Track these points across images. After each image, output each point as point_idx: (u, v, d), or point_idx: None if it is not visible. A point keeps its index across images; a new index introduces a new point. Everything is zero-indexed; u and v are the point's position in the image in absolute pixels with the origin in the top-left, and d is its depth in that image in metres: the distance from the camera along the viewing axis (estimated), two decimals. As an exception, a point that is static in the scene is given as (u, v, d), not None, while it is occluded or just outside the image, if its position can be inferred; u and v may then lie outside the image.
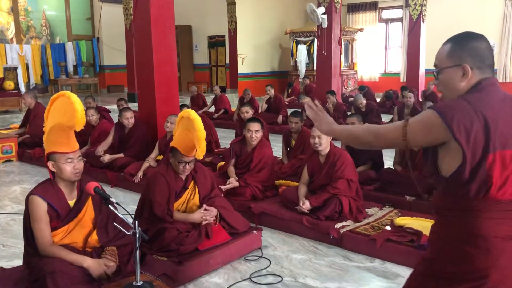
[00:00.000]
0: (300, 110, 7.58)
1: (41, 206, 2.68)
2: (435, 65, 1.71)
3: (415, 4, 12.25)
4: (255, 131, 4.66)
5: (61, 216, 2.74)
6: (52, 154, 2.73)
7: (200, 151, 3.16)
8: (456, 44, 1.65)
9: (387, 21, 16.85)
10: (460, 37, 1.67)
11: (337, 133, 1.89)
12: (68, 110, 2.66)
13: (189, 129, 3.29)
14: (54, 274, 2.52)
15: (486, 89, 1.58)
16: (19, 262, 3.18)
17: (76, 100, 2.64)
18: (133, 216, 3.44)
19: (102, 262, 2.70)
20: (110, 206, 2.63)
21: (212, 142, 6.75)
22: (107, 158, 5.83)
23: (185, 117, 3.35)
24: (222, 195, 4.09)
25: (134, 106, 8.77)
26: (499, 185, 1.51)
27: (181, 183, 3.51)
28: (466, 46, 1.62)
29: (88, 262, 2.67)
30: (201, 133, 3.15)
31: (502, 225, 1.54)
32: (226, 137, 8.24)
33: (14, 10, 14.02)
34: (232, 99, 13.26)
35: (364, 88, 12.72)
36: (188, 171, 3.48)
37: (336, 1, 10.01)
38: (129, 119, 5.92)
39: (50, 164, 2.75)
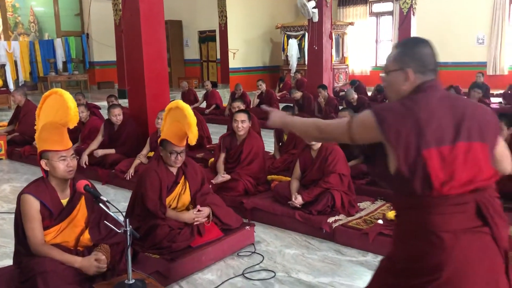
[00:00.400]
0: (291, 104, 7.60)
1: (33, 205, 2.65)
2: (383, 68, 1.83)
3: (406, -3, 12.26)
4: (241, 121, 4.65)
5: (53, 215, 2.71)
6: (45, 152, 2.70)
7: (193, 136, 3.16)
8: (402, 50, 1.76)
9: (378, 15, 16.86)
10: (407, 42, 1.79)
11: (290, 125, 2.01)
12: (61, 108, 2.63)
13: (178, 120, 3.29)
14: (45, 274, 2.49)
15: (424, 92, 1.67)
16: (9, 261, 3.14)
17: (68, 98, 2.61)
18: (124, 214, 3.43)
19: (93, 259, 2.67)
20: (100, 204, 2.61)
21: (203, 137, 6.72)
22: (100, 152, 5.80)
23: (173, 108, 3.34)
24: (212, 191, 4.10)
25: (124, 102, 8.72)
26: (442, 181, 1.56)
27: (172, 178, 3.50)
28: (411, 52, 1.73)
29: (79, 262, 2.65)
30: (192, 118, 3.15)
31: (452, 220, 1.57)
32: (217, 133, 8.19)
33: (1, 6, 13.83)
34: (224, 94, 13.22)
35: (356, 82, 12.72)
36: (179, 162, 3.46)
37: (326, -5, 9.99)
38: (117, 116, 5.88)
39: (43, 162, 2.72)
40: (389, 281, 1.68)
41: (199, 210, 3.46)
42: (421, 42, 1.74)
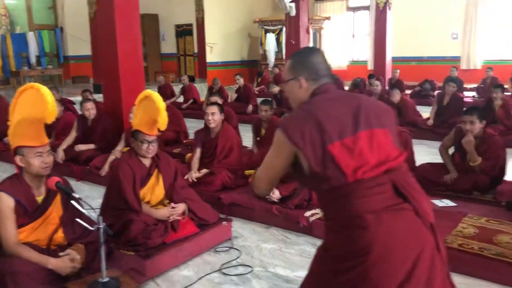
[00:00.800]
0: (270, 99, 7.58)
1: (7, 202, 2.58)
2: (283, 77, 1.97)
3: (382, -8, 12.36)
4: (211, 114, 4.63)
5: (28, 212, 2.65)
6: (20, 148, 2.63)
7: (162, 121, 3.24)
8: (294, 60, 1.91)
9: (354, 10, 16.96)
10: (299, 53, 1.94)
11: None
12: (37, 103, 2.55)
13: (148, 108, 3.33)
14: (14, 274, 2.44)
15: (319, 95, 1.82)
16: (-21, 261, 3.06)
17: (46, 92, 2.55)
18: (97, 211, 3.37)
19: (67, 259, 2.62)
20: (73, 201, 2.55)
21: (180, 132, 6.68)
22: (81, 147, 5.73)
23: (143, 98, 3.40)
24: (187, 186, 4.08)
25: (100, 97, 8.55)
26: (353, 168, 1.67)
27: (145, 170, 3.48)
28: (302, 61, 1.88)
29: (53, 263, 2.59)
30: (160, 103, 3.23)
31: (373, 201, 1.67)
32: (195, 128, 8.08)
33: (-29, -1, 13.44)
34: (201, 88, 13.13)
35: (359, 83, 12.79)
36: (152, 152, 3.44)
37: (303, -10, 10.01)
38: (90, 110, 5.79)
39: (17, 158, 2.64)
40: (326, 268, 1.76)
41: (173, 207, 3.43)
42: (312, 52, 1.91)
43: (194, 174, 4.53)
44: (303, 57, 1.88)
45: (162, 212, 3.39)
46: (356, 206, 1.67)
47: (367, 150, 1.70)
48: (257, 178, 1.89)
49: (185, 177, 4.43)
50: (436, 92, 10.30)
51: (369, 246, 1.63)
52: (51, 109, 2.51)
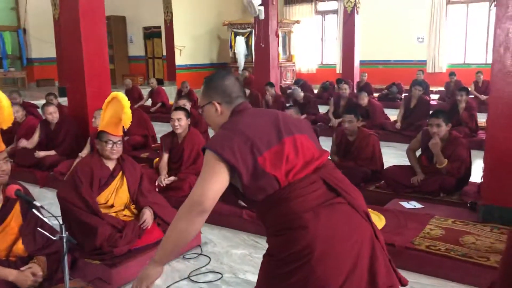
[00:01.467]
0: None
1: None
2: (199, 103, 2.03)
3: (349, -4, 12.52)
4: (177, 119, 4.57)
5: None
6: None
7: (126, 118, 3.25)
8: (206, 85, 1.96)
9: (323, 13, 17.15)
10: (210, 78, 1.99)
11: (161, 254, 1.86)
12: None
13: (113, 110, 3.34)
14: (-30, 288, 2.31)
15: (239, 113, 1.88)
16: None
17: (2, 97, 2.43)
18: (58, 219, 3.25)
19: (29, 273, 2.50)
20: (34, 210, 2.44)
21: (148, 137, 6.56)
22: (41, 154, 5.56)
23: (109, 100, 3.40)
24: (156, 190, 4.00)
25: (65, 100, 8.34)
26: (284, 173, 1.74)
27: (108, 171, 3.41)
28: (213, 86, 1.93)
29: (14, 275, 2.47)
30: (125, 102, 3.27)
31: (308, 199, 1.73)
32: (163, 132, 7.96)
33: None
34: (171, 91, 12.98)
35: (300, 82, 12.87)
36: (116, 153, 3.39)
37: (272, -7, 10.02)
38: (52, 114, 5.66)
39: None
40: (272, 274, 1.78)
41: (143, 222, 3.35)
42: (222, 76, 1.97)
43: (164, 180, 4.44)
44: (215, 82, 1.94)
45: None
46: (293, 207, 1.72)
47: (293, 154, 1.78)
48: (198, 197, 1.71)
49: (156, 183, 4.34)
50: (403, 95, 10.49)
51: (311, 245, 1.67)
52: (6, 114, 2.41)
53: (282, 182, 1.73)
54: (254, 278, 3.12)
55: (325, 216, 1.71)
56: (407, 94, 9.18)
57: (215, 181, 1.71)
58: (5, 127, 2.47)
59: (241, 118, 1.85)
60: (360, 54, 13.09)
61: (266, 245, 3.58)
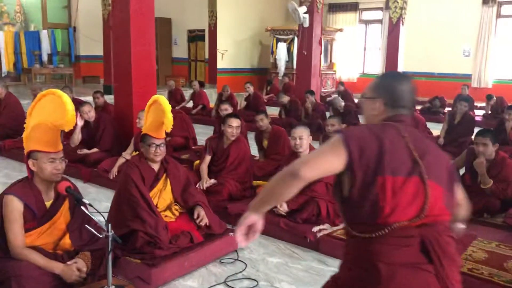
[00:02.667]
0: (279, 108, 7.57)
1: (17, 206, 2.57)
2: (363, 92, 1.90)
3: (396, 7, 12.35)
4: (236, 127, 4.62)
5: (37, 217, 2.63)
6: (34, 152, 2.62)
7: (168, 122, 3.28)
8: (381, 81, 1.84)
9: (367, 22, 16.97)
10: (388, 75, 1.90)
11: (259, 200, 1.79)
12: (57, 109, 2.55)
13: (155, 113, 3.40)
14: (20, 278, 2.42)
15: (391, 123, 1.71)
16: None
17: (67, 100, 2.55)
18: (104, 216, 3.35)
19: (75, 267, 2.60)
20: (82, 207, 2.54)
21: (189, 138, 6.67)
22: (84, 151, 5.73)
23: (151, 103, 3.47)
24: (201, 192, 4.06)
25: (110, 98, 8.58)
26: (389, 210, 1.55)
27: (153, 173, 3.49)
28: (387, 85, 1.80)
29: (60, 268, 2.57)
30: (166, 105, 3.29)
31: (394, 252, 1.56)
32: (204, 134, 8.14)
33: (-14, -5, 13.56)
34: (211, 94, 13.13)
35: (341, 87, 12.77)
36: (160, 155, 3.45)
37: (318, 1, 10.01)
38: (88, 113, 5.79)
39: (30, 162, 2.63)
40: None
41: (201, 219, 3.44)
42: (401, 78, 1.81)
43: (206, 184, 4.49)
44: (390, 81, 1.80)
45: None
46: (375, 251, 1.57)
47: (410, 198, 1.57)
48: (300, 162, 1.65)
49: (197, 186, 4.41)
50: (446, 109, 10.24)
51: None
52: (70, 117, 2.50)
53: (380, 217, 1.56)
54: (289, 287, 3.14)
55: (403, 278, 1.54)
56: (450, 108, 8.96)
57: (325, 160, 1.60)
58: (67, 130, 2.58)
59: (389, 130, 1.67)
60: (403, 65, 12.87)
61: (303, 256, 3.62)
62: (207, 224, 3.46)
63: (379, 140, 1.61)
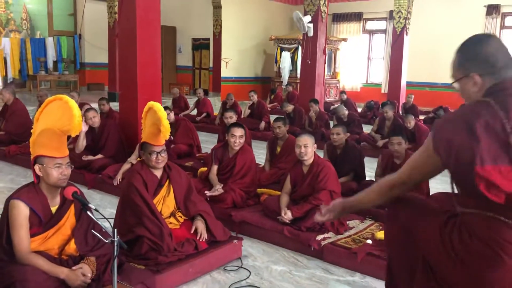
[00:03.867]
0: (283, 116, 7.59)
1: (23, 211, 2.57)
2: (452, 75, 1.73)
3: (400, 17, 12.42)
4: (239, 137, 4.61)
5: (42, 222, 2.64)
6: (41, 157, 2.63)
7: (164, 130, 3.23)
8: (461, 54, 1.66)
9: (371, 32, 17.03)
10: (465, 45, 1.66)
11: (355, 204, 2.00)
12: (64, 115, 2.56)
13: (151, 121, 3.35)
14: (25, 282, 2.42)
15: (496, 94, 1.53)
16: (-11, 265, 3.05)
17: (74, 105, 2.55)
18: (110, 221, 3.36)
19: (80, 272, 2.60)
20: (88, 212, 2.54)
21: (193, 146, 6.68)
22: (89, 157, 5.75)
23: (146, 110, 3.42)
24: (203, 199, 4.05)
25: (115, 105, 8.64)
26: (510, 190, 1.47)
27: (156, 180, 3.48)
28: (471, 55, 1.61)
29: (65, 273, 2.57)
30: (161, 113, 3.24)
31: None
32: (208, 141, 8.17)
33: (-6, 2, 13.68)
34: (214, 102, 13.18)
35: (344, 96, 12.80)
36: (161, 162, 3.45)
37: (322, 10, 10.06)
38: (93, 119, 5.81)
39: (36, 167, 2.64)
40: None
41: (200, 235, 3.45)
42: (482, 40, 1.62)
43: (217, 192, 4.47)
44: (471, 50, 1.63)
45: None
46: (502, 230, 1.49)
47: None
48: (402, 175, 1.70)
49: (208, 194, 4.40)
50: (450, 120, 10.22)
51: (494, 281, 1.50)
52: (77, 123, 2.51)
53: (503, 197, 1.45)
54: (294, 296, 3.12)
55: None
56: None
57: (422, 167, 1.61)
58: (73, 135, 2.59)
59: (486, 106, 1.49)
60: (407, 75, 12.91)
61: (306, 264, 3.61)
62: (205, 239, 3.44)
63: (468, 126, 1.48)
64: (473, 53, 1.61)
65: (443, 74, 14.98)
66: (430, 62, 15.04)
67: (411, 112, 9.59)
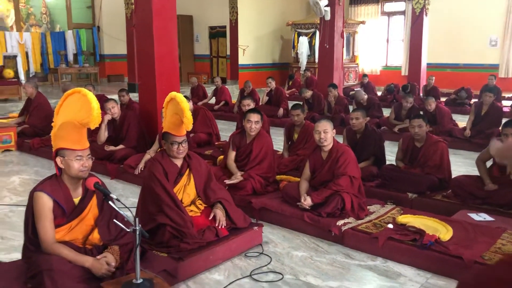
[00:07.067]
0: (301, 103, 7.55)
1: (46, 203, 2.64)
2: None
3: (419, -3, 12.14)
4: (255, 122, 4.62)
5: (66, 213, 2.70)
6: (62, 150, 2.68)
7: (187, 121, 3.23)
8: None
9: (390, 14, 16.73)
10: None
11: None
12: (83, 108, 2.60)
13: (173, 111, 3.36)
14: (51, 272, 2.49)
15: None
16: (17, 255, 3.15)
17: (92, 98, 2.59)
18: (132, 211, 3.41)
19: (104, 261, 2.66)
20: (110, 202, 2.59)
21: (212, 134, 6.71)
22: (111, 148, 5.84)
23: (169, 100, 3.43)
24: (223, 187, 4.07)
25: (134, 96, 8.72)
26: None
27: (177, 169, 3.52)
28: None
29: (90, 262, 2.63)
30: (184, 104, 3.23)
31: None
32: (226, 130, 8.20)
33: (14, -3, 13.88)
34: (232, 90, 13.19)
35: (365, 79, 12.65)
36: (182, 153, 3.48)
37: (339, -6, 9.92)
38: (112, 109, 5.84)
39: (58, 159, 2.70)
40: None
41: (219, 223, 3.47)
42: None
43: (236, 180, 4.49)
44: None
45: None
46: None
47: None
48: None
49: (228, 182, 4.44)
50: (472, 101, 10.04)
51: None
52: (95, 115, 2.55)
53: None
54: (315, 281, 3.15)
55: None
56: (477, 100, 8.78)
57: None
58: (92, 127, 2.62)
59: None
60: (428, 57, 12.67)
61: (327, 249, 3.62)
62: (224, 225, 3.47)
63: None
64: None
65: (464, 54, 14.67)
66: (451, 42, 14.72)
67: (432, 94, 9.45)
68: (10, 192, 5.17)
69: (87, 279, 2.61)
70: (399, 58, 16.49)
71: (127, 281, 2.56)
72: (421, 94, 11.36)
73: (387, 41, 16.87)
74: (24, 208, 2.79)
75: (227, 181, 4.45)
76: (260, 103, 10.00)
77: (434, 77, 11.62)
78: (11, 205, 4.70)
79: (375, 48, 16.72)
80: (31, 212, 2.67)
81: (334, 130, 4.15)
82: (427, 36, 12.38)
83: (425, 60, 12.46)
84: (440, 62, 14.82)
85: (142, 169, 5.30)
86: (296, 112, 5.57)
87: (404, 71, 15.33)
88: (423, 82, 12.11)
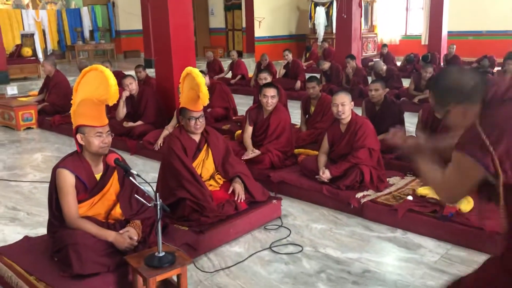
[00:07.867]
0: (317, 75, 7.46)
1: (69, 179, 2.68)
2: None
3: (440, -38, 11.75)
4: (271, 97, 4.59)
5: (88, 189, 2.75)
6: (82, 127, 2.72)
7: (203, 96, 3.26)
8: (434, 92, 1.76)
9: (409, -19, 16.26)
10: (432, 84, 1.80)
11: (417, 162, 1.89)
12: (101, 85, 2.62)
13: (189, 86, 3.38)
14: (76, 246, 2.55)
15: (494, 106, 1.59)
16: (43, 230, 3.23)
17: (109, 75, 2.61)
18: (152, 186, 3.46)
19: (127, 235, 2.71)
20: (130, 177, 2.63)
21: (229, 109, 6.70)
22: (129, 124, 5.89)
23: (184, 75, 3.45)
24: (242, 161, 4.09)
25: (151, 72, 8.72)
26: None
27: (195, 144, 3.55)
28: (439, 90, 1.71)
29: (113, 236, 2.69)
30: (200, 79, 3.26)
31: None
32: (243, 104, 8.16)
33: (28, -26, 13.87)
34: (249, 64, 13.09)
35: (385, 49, 12.41)
36: (200, 128, 3.50)
37: (356, -39, 9.66)
38: (129, 85, 5.84)
39: (78, 136, 2.74)
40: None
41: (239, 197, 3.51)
42: (444, 75, 1.72)
43: (252, 154, 4.51)
44: (437, 86, 1.73)
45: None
46: None
47: None
48: (440, 189, 1.76)
49: (244, 157, 4.45)
50: (495, 70, 9.78)
51: None
52: (113, 92, 2.56)
53: None
54: (334, 253, 3.17)
55: None
56: (500, 68, 8.54)
57: (464, 184, 1.62)
58: (111, 104, 2.64)
59: (500, 109, 1.57)
60: (448, 25, 12.33)
61: (346, 222, 3.63)
62: (243, 199, 3.50)
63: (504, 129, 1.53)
64: (440, 88, 1.74)
65: (487, 21, 14.21)
66: (473, 9, 14.25)
67: (453, 63, 9.23)
68: (34, 169, 5.28)
69: (111, 253, 2.67)
70: (419, 27, 16.09)
71: (150, 254, 2.61)
72: (441, 64, 11.11)
73: (407, 9, 16.44)
74: (47, 185, 2.85)
75: (244, 157, 4.45)
76: (277, 76, 9.91)
77: (455, 46, 11.32)
78: (35, 182, 4.81)
79: (394, 17, 16.32)
80: (54, 189, 2.73)
81: (352, 103, 4.10)
82: (447, 3, 12.03)
83: (445, 28, 12.14)
84: (462, 30, 14.41)
85: (161, 144, 5.34)
86: (311, 84, 5.50)
87: (424, 40, 14.97)
88: (443, 51, 11.83)
